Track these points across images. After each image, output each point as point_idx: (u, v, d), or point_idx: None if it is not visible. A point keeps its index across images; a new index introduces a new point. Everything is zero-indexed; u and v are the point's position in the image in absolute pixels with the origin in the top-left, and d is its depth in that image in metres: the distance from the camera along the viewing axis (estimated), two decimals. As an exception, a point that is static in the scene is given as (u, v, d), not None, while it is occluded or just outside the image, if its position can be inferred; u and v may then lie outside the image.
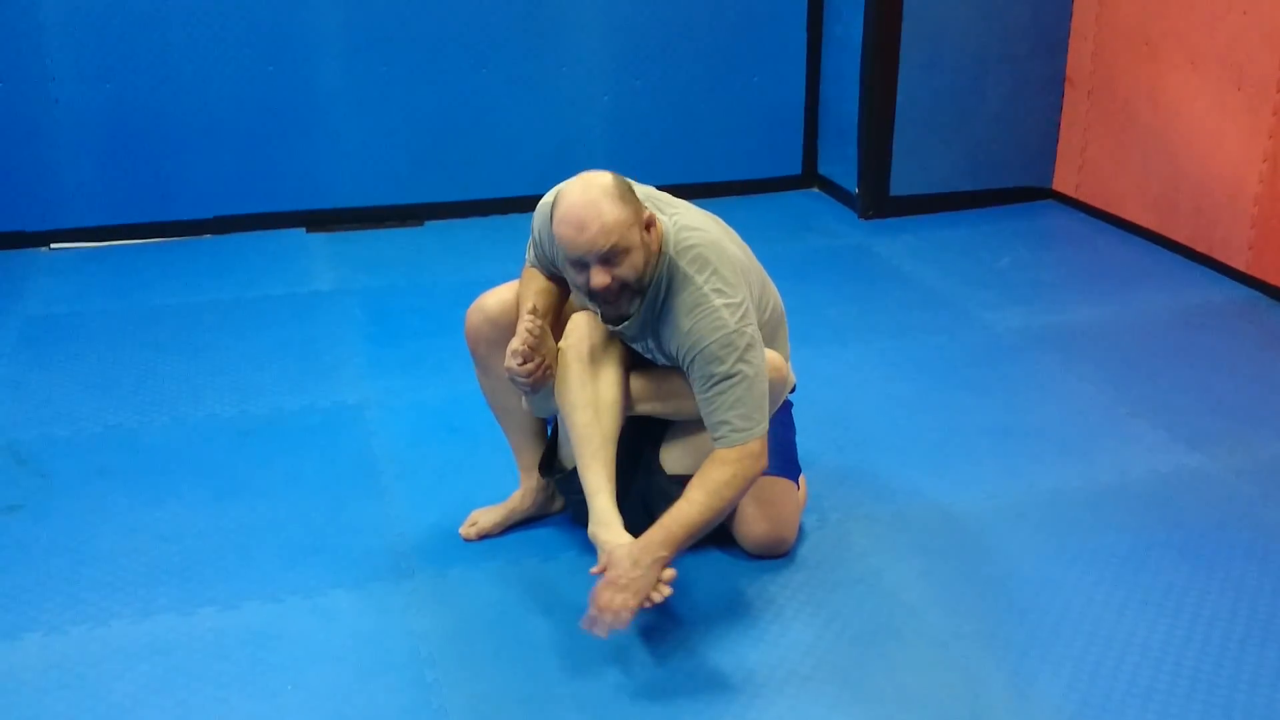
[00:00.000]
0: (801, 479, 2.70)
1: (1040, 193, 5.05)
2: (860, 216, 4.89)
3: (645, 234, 2.22)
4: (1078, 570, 2.56)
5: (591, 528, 2.30)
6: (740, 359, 2.23)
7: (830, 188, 5.17)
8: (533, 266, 2.49)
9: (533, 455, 2.64)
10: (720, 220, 2.49)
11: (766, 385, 2.30)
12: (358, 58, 4.62)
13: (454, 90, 4.74)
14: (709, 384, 2.25)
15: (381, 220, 4.84)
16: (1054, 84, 4.87)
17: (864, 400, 3.34)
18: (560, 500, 2.72)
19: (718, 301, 2.25)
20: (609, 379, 2.38)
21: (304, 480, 2.93)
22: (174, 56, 4.45)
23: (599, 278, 2.19)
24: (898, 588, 2.51)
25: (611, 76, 4.89)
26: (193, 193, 4.64)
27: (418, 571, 2.57)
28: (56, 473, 2.96)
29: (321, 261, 4.45)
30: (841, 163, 5.03)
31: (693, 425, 2.45)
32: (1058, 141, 4.96)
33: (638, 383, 2.44)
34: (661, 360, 2.39)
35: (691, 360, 2.26)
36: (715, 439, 2.27)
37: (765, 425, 2.28)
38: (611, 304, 2.25)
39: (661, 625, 2.39)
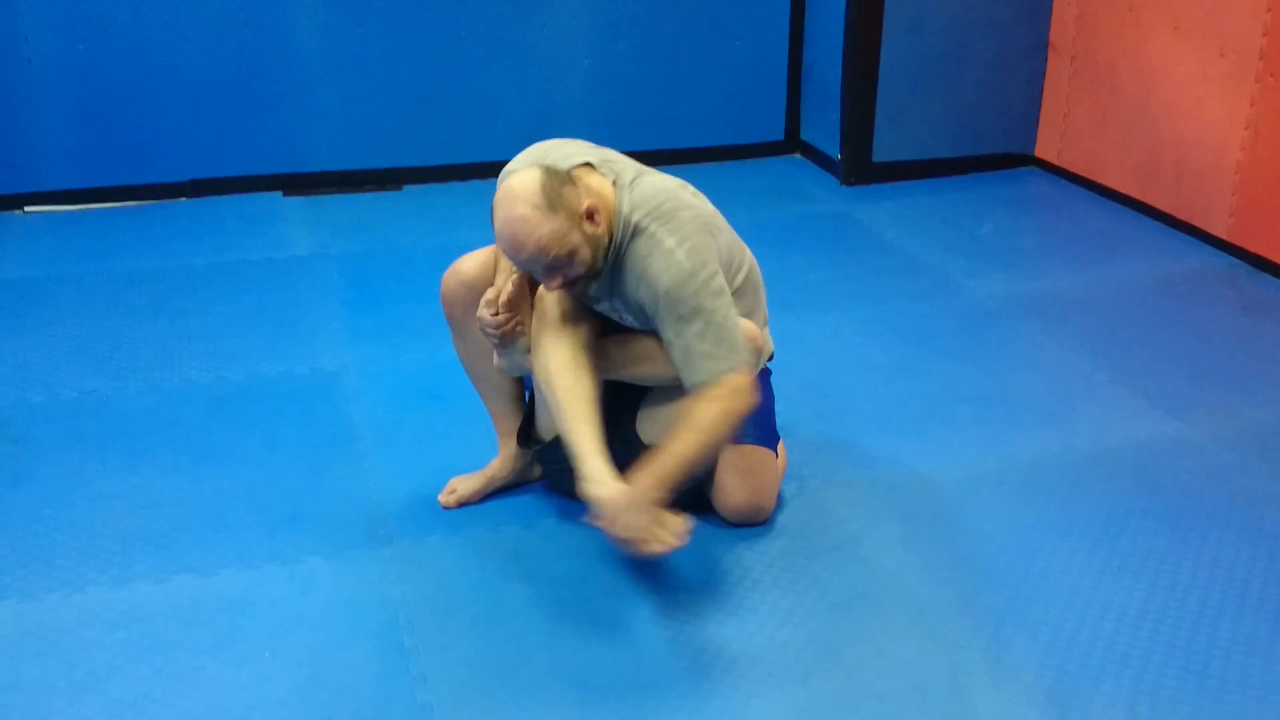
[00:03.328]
0: (781, 447, 2.70)
1: (1022, 159, 5.04)
2: (842, 183, 4.88)
3: (587, 225, 2.20)
4: (1056, 537, 2.57)
5: (584, 487, 2.27)
6: (702, 295, 2.22)
7: (812, 154, 5.15)
8: None
9: (511, 422, 2.63)
10: (688, 185, 2.45)
11: (738, 323, 2.29)
12: (336, 19, 4.57)
13: (433, 53, 4.70)
14: (677, 325, 2.23)
15: (360, 184, 4.80)
16: (1037, 50, 4.85)
17: (844, 368, 3.33)
18: (539, 468, 2.71)
19: (670, 243, 2.24)
20: (584, 342, 2.38)
21: (281, 447, 2.91)
22: (149, 17, 4.39)
23: (549, 282, 2.23)
24: (876, 555, 2.51)
25: (592, 39, 4.85)
26: (169, 155, 4.59)
27: (396, 538, 2.56)
28: (31, 439, 2.94)
29: (299, 226, 4.41)
30: (824, 129, 5.01)
31: (669, 393, 2.43)
32: (1040, 108, 4.94)
33: (607, 348, 2.43)
34: (629, 320, 2.39)
35: (656, 307, 2.25)
36: (695, 382, 2.24)
37: (746, 360, 2.26)
38: (569, 292, 2.29)
39: (640, 593, 2.39)
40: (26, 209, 4.51)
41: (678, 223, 2.26)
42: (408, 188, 4.83)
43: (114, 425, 3.01)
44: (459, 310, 2.51)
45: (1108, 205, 4.60)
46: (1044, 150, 4.98)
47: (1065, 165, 4.87)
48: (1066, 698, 2.11)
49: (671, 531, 2.20)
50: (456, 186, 4.85)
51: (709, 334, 2.22)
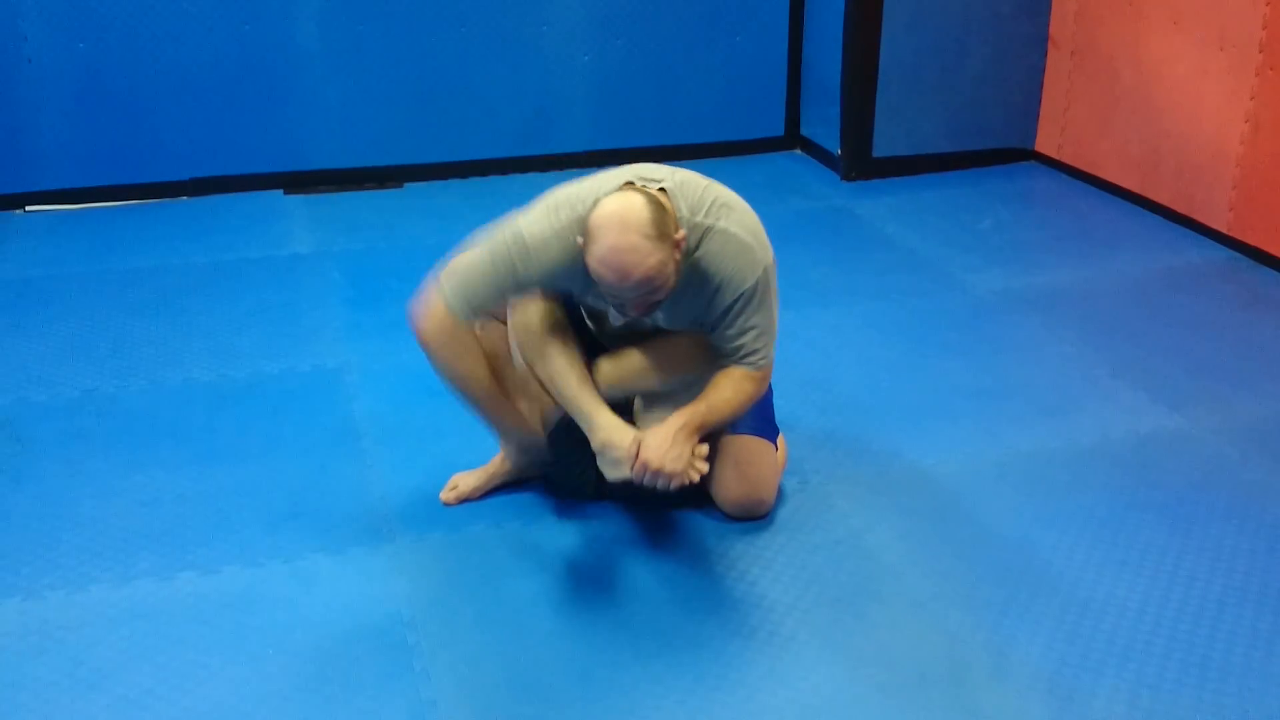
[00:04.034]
0: (781, 440, 2.70)
1: (1022, 154, 5.04)
2: (842, 178, 4.87)
3: (676, 252, 2.18)
4: (1057, 531, 2.57)
5: (602, 437, 2.32)
6: (773, 284, 2.32)
7: (812, 149, 5.14)
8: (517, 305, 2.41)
9: (511, 420, 2.62)
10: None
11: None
12: (337, 17, 4.57)
13: (434, 50, 4.70)
14: (746, 313, 2.29)
15: (361, 182, 4.80)
16: (1037, 44, 4.85)
17: (844, 362, 3.34)
18: (540, 465, 2.72)
19: (743, 234, 2.26)
20: (571, 339, 2.40)
21: (283, 444, 2.92)
22: (150, 15, 4.39)
23: (635, 310, 2.22)
24: (878, 549, 2.51)
25: (592, 36, 4.85)
26: (169, 154, 4.59)
27: (398, 535, 2.56)
28: (33, 438, 2.94)
29: (300, 224, 4.41)
30: (824, 124, 5.01)
31: (629, 348, 2.45)
32: (1040, 102, 4.94)
33: (609, 366, 2.44)
34: (655, 321, 2.38)
35: (734, 300, 2.28)
36: (739, 360, 2.34)
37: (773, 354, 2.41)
38: (636, 317, 2.29)
39: (642, 589, 2.40)
40: (27, 208, 4.51)
41: (739, 212, 2.29)
42: (408, 185, 4.83)
43: (116, 423, 3.01)
44: (434, 346, 2.42)
45: (1108, 199, 4.60)
46: (1044, 144, 4.98)
47: (1065, 159, 4.87)
48: (1068, 690, 2.12)
49: (702, 459, 2.31)
50: (457, 184, 4.85)
51: (767, 329, 2.34)
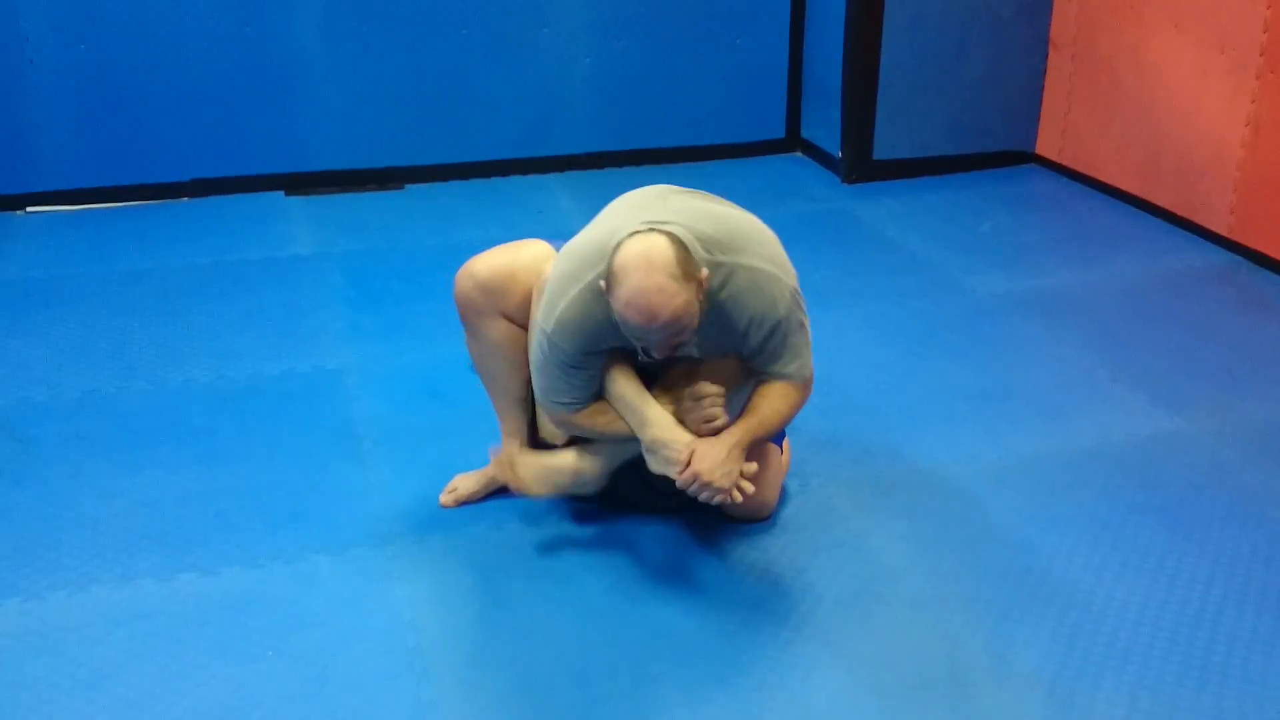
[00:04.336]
0: (786, 444, 2.70)
1: (1023, 157, 5.04)
2: (843, 180, 4.88)
3: (699, 292, 2.18)
4: (1057, 533, 2.57)
5: (654, 434, 2.32)
6: (801, 306, 2.33)
7: (813, 151, 5.15)
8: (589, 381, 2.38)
9: (516, 422, 2.63)
10: (676, 188, 2.43)
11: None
12: (337, 18, 4.57)
13: (435, 52, 4.70)
14: (781, 337, 2.30)
15: (362, 183, 4.80)
16: (1038, 47, 4.85)
17: (846, 365, 3.33)
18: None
19: (768, 267, 2.26)
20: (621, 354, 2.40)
21: (284, 446, 2.92)
22: (151, 16, 4.39)
23: (660, 351, 2.21)
24: (879, 551, 2.52)
25: (593, 38, 4.85)
26: (170, 155, 4.59)
27: (398, 537, 2.57)
28: (34, 438, 2.94)
29: (301, 225, 4.42)
30: (825, 126, 5.01)
31: (676, 375, 2.43)
32: (1041, 105, 4.94)
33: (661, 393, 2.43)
34: (688, 351, 2.35)
35: (771, 330, 2.28)
36: (783, 374, 2.35)
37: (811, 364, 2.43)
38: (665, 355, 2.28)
39: (643, 590, 2.40)
40: (28, 209, 4.52)
41: (756, 241, 2.28)
42: (409, 187, 4.83)
43: (117, 424, 3.01)
44: (471, 311, 2.51)
45: (1109, 202, 4.60)
46: (1045, 147, 4.98)
47: (1066, 162, 4.87)
48: (1068, 693, 2.12)
49: (747, 478, 2.32)
50: (458, 185, 4.85)
51: (805, 342, 2.37)
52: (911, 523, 2.61)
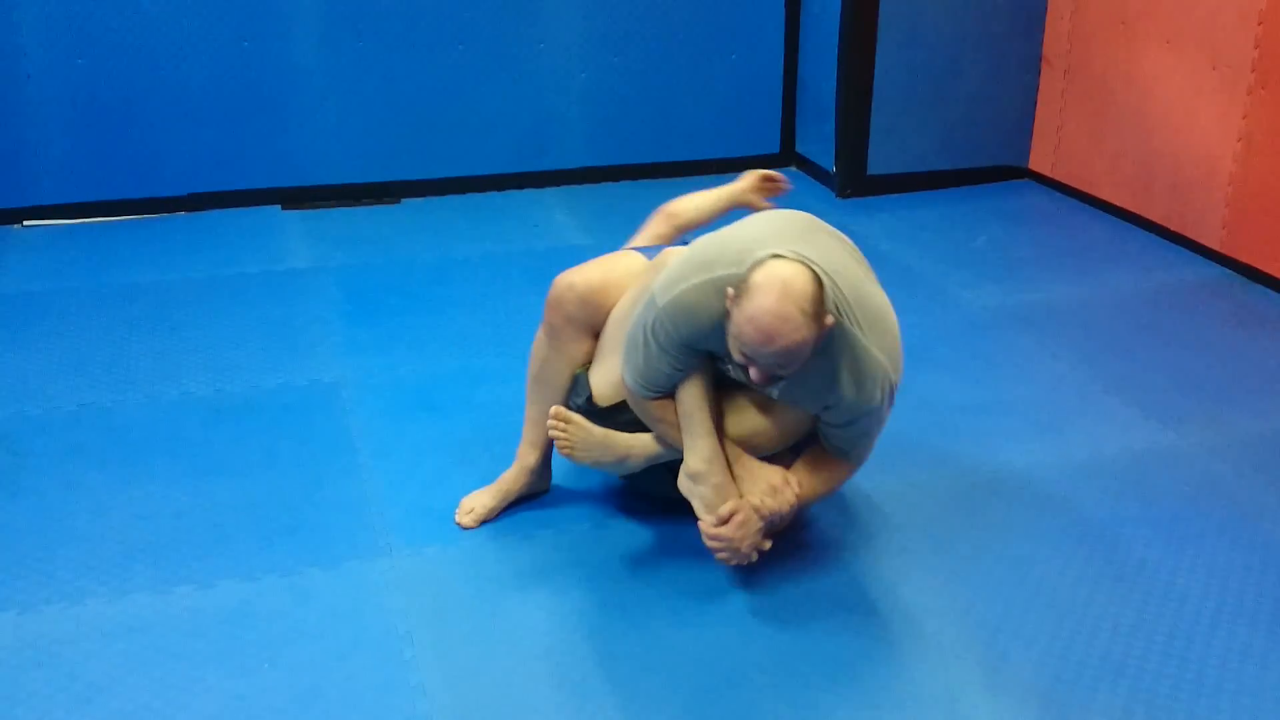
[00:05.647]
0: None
1: (1016, 172, 5.06)
2: (838, 195, 4.90)
3: (820, 335, 2.13)
4: (1050, 546, 2.58)
5: (699, 467, 2.33)
6: (890, 404, 2.31)
7: (808, 166, 5.17)
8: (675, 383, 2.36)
9: (542, 434, 2.62)
10: (826, 226, 2.41)
11: None
12: (334, 33, 4.59)
13: (431, 67, 4.72)
14: (863, 425, 2.31)
15: (358, 198, 4.82)
16: (1031, 63, 4.87)
17: (840, 378, 3.34)
18: (547, 479, 2.73)
19: (880, 355, 2.23)
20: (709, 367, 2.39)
21: (280, 459, 2.92)
22: (148, 31, 4.41)
23: (759, 375, 2.16)
24: (872, 564, 2.52)
25: (589, 53, 4.87)
26: (167, 170, 4.60)
27: (394, 549, 2.57)
28: (30, 452, 2.95)
29: (297, 239, 4.43)
30: (819, 141, 5.03)
31: (746, 405, 2.41)
32: (1034, 121, 4.97)
33: (729, 421, 2.42)
34: (772, 391, 2.34)
35: (857, 415, 2.28)
36: (841, 452, 2.37)
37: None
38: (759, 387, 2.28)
39: (637, 603, 2.40)
40: (25, 223, 4.52)
41: (882, 329, 2.25)
42: (405, 201, 4.84)
43: (113, 438, 3.02)
44: (561, 320, 2.52)
45: (1101, 217, 4.62)
46: (1038, 163, 5.00)
47: (1059, 177, 4.89)
48: (1062, 707, 2.12)
49: (759, 552, 2.36)
50: (453, 200, 4.86)
51: (877, 432, 2.36)
52: (904, 536, 2.62)
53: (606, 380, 2.50)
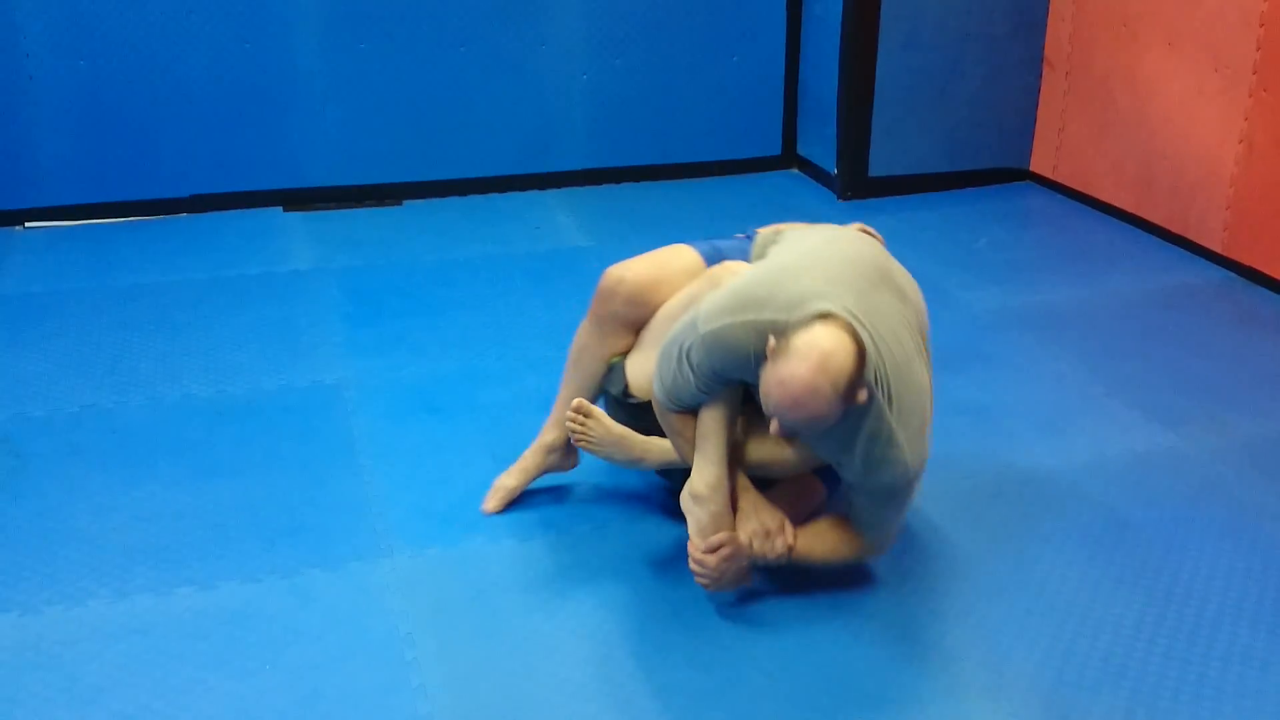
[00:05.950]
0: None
1: (1018, 174, 5.06)
2: (839, 197, 4.90)
3: (846, 407, 2.09)
4: (1052, 548, 2.58)
5: (703, 490, 2.31)
6: (911, 490, 2.28)
7: (809, 168, 5.17)
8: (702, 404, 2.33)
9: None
10: (897, 273, 2.42)
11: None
12: (336, 35, 4.59)
13: (433, 68, 4.72)
14: (878, 499, 2.27)
15: (360, 199, 4.82)
16: (1032, 65, 4.88)
17: (842, 380, 3.34)
18: (574, 456, 2.72)
19: (903, 443, 2.19)
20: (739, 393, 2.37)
21: (281, 460, 2.92)
22: (150, 33, 4.41)
23: (777, 429, 2.12)
24: (873, 567, 2.52)
25: (591, 56, 4.87)
26: (169, 171, 4.61)
27: (396, 551, 2.57)
28: (32, 453, 2.95)
29: (299, 241, 4.43)
30: (821, 143, 5.03)
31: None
32: (1035, 123, 4.97)
33: (751, 446, 2.41)
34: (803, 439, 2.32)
35: (874, 485, 2.25)
36: (861, 529, 2.34)
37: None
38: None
39: (638, 606, 2.40)
40: (27, 225, 4.52)
41: (917, 426, 2.22)
42: (407, 203, 4.84)
43: (114, 439, 3.02)
44: (607, 313, 2.53)
45: (1103, 219, 4.62)
46: (1039, 165, 5.00)
47: (1060, 179, 4.89)
48: (1064, 709, 2.12)
49: (738, 586, 2.37)
50: (456, 201, 4.86)
51: (896, 518, 2.33)
52: (906, 538, 2.62)
53: (643, 372, 2.50)
